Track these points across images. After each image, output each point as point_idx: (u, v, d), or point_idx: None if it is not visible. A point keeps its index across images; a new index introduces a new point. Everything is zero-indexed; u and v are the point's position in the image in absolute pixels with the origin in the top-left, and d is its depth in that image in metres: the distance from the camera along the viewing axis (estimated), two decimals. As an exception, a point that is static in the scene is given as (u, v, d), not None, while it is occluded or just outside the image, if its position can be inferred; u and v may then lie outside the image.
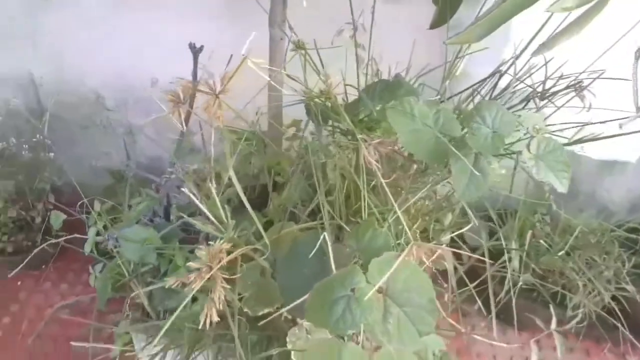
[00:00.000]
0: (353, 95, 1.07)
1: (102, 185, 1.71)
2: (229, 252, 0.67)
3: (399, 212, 0.71)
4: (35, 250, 1.22)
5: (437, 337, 0.97)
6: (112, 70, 1.69)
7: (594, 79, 0.92)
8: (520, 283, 1.51)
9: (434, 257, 0.71)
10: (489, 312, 1.31)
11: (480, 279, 1.43)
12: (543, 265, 1.55)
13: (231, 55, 0.76)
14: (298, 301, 0.70)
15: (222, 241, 0.66)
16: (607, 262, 1.56)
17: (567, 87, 0.93)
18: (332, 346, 0.58)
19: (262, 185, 1.25)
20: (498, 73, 1.04)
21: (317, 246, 0.75)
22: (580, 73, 0.97)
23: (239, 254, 0.70)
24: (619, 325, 1.44)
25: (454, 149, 0.73)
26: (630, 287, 1.55)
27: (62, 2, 1.57)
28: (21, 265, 1.17)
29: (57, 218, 1.47)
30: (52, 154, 1.58)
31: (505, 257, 1.53)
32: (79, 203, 1.29)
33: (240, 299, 0.92)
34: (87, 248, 1.12)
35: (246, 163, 1.33)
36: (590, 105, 0.98)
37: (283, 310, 0.74)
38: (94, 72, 1.72)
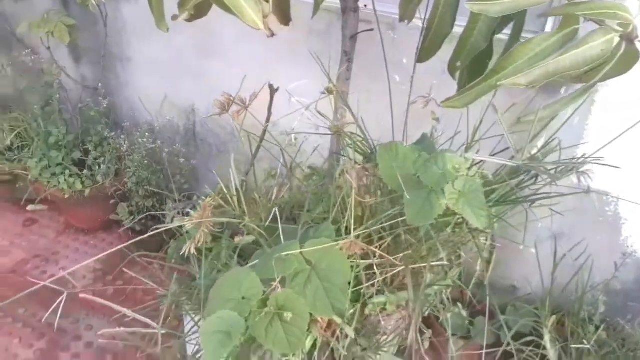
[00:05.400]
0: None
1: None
2: (214, 207, 0.93)
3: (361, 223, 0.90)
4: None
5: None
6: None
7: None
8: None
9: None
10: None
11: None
12: (582, 365, 1.49)
13: (277, 88, 1.05)
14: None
15: (209, 198, 0.93)
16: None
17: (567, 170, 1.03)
18: (239, 274, 0.79)
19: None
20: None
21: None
22: (580, 158, 1.06)
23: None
24: None
25: (409, 182, 0.91)
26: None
27: (224, 53, 2.06)
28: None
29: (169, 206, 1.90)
30: (182, 160, 2.01)
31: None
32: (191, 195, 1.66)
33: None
34: (168, 219, 1.46)
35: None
36: (588, 187, 1.06)
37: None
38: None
